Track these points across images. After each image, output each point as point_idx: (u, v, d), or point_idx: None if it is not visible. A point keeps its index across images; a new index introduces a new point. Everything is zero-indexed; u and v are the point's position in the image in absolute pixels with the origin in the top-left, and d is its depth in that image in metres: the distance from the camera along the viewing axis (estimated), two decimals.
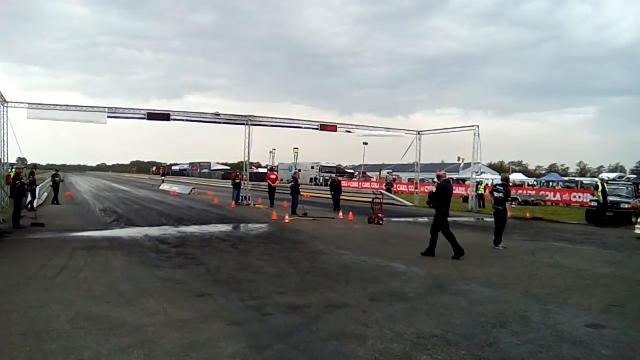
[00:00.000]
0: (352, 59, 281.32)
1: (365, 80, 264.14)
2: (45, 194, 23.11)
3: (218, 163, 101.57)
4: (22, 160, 18.08)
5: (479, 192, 25.46)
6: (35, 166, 23.48)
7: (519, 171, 77.94)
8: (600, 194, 16.99)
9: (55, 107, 19.03)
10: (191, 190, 33.49)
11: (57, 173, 22.79)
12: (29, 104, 18.36)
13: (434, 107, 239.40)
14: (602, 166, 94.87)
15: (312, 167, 53.02)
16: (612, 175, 49.97)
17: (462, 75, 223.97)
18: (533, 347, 4.57)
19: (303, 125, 24.46)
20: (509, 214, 10.98)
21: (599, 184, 17.80)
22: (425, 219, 17.44)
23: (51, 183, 21.57)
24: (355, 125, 25.28)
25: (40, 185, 23.11)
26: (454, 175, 55.40)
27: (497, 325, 5.25)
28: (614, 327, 5.27)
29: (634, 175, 52.30)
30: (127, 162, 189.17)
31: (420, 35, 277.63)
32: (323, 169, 51.73)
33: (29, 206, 16.96)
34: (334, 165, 55.24)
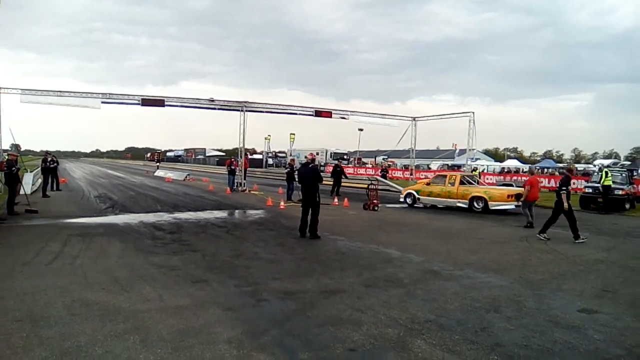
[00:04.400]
0: (349, 45, 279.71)
1: (362, 66, 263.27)
2: (40, 180, 22.96)
3: (213, 149, 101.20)
4: (15, 146, 17.86)
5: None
6: (48, 152, 23.25)
7: (514, 157, 78.10)
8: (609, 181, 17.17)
9: (49, 92, 18.85)
10: (186, 177, 33.35)
11: (54, 158, 22.54)
12: (22, 90, 18.16)
13: (430, 94, 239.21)
14: (596, 153, 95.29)
15: (317, 154, 52.94)
16: (607, 162, 50.27)
17: (459, 61, 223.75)
18: (526, 332, 4.62)
19: (298, 112, 24.36)
20: (565, 204, 10.63)
21: (603, 173, 17.75)
22: (420, 205, 17.50)
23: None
24: (350, 111, 25.17)
25: (35, 171, 22.90)
26: (449, 162, 55.61)
27: (491, 310, 5.31)
28: (607, 313, 5.33)
29: (629, 162, 52.63)
30: (122, 148, 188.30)
31: (417, 21, 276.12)
32: (335, 155, 51.38)
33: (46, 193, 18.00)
34: (345, 152, 55.00)
